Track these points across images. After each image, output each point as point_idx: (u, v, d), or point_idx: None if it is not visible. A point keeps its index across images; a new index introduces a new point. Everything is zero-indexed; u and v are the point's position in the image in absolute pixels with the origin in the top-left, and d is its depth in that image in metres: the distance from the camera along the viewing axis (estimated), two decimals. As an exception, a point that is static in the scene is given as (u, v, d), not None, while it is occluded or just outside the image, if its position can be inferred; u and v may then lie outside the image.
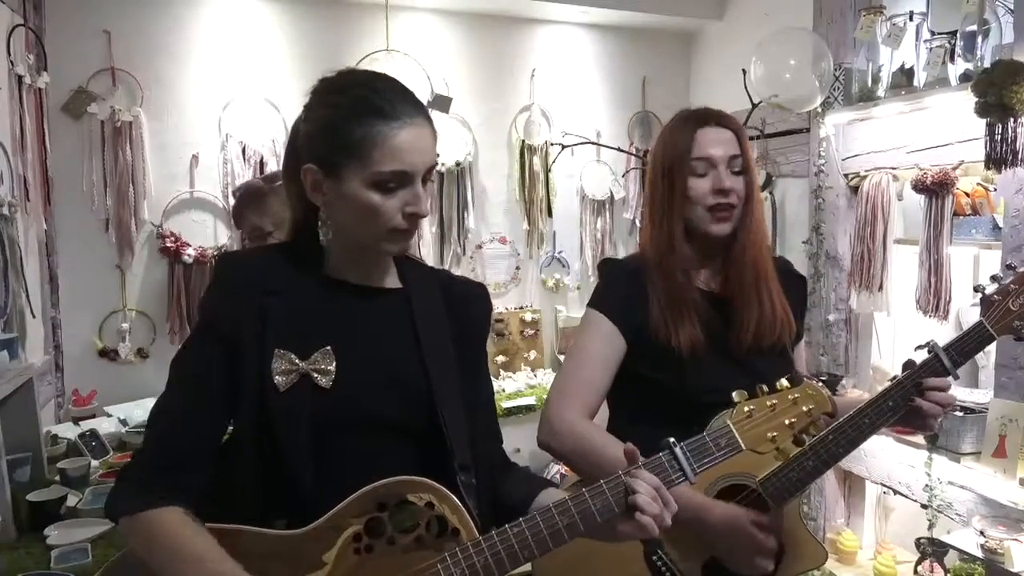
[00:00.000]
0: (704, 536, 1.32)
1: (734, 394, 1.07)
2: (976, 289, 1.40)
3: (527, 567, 1.35)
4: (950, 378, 1.34)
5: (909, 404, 1.32)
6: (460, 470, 1.09)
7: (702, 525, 1.30)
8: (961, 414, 2.41)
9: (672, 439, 1.04)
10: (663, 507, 0.99)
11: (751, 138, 1.68)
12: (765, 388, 1.08)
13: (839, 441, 1.32)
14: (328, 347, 1.05)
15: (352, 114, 1.03)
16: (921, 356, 1.36)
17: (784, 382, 1.08)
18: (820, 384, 1.11)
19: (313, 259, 1.11)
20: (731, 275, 1.46)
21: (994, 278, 1.39)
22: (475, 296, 1.24)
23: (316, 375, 1.04)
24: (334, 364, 1.05)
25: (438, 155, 1.15)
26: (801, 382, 1.09)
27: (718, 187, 1.40)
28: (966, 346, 1.35)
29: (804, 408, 1.07)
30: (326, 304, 1.09)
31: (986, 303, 1.37)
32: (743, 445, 1.05)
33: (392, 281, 1.17)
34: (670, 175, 1.43)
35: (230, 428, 1.08)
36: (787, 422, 1.06)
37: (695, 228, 1.44)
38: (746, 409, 1.06)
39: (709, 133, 1.42)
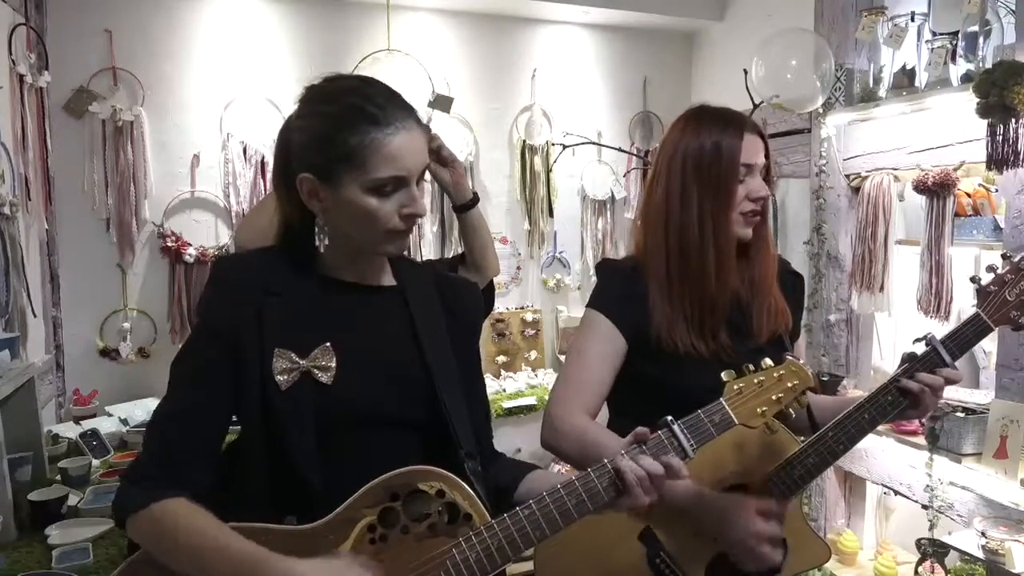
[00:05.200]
0: (708, 526, 1.31)
1: (723, 374, 1.13)
2: (972, 280, 1.38)
3: (528, 566, 1.36)
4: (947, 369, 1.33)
5: (907, 397, 1.32)
6: (467, 458, 1.11)
7: (705, 513, 1.30)
8: (962, 415, 2.40)
9: (670, 417, 1.08)
10: (651, 488, 1.03)
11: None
12: (751, 367, 1.13)
13: (839, 438, 1.32)
14: (327, 344, 1.06)
15: (345, 123, 1.04)
16: (919, 349, 1.35)
17: (768, 361, 1.14)
18: (801, 360, 1.17)
19: (308, 260, 1.12)
20: (749, 276, 1.47)
21: (990, 268, 1.37)
22: (468, 288, 1.27)
23: (317, 372, 1.05)
24: (334, 360, 1.06)
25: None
26: (784, 360, 1.14)
27: (758, 193, 1.41)
28: (964, 338, 1.34)
29: (789, 384, 1.13)
30: (323, 303, 1.10)
31: (982, 294, 1.36)
32: (735, 420, 1.10)
33: (387, 279, 1.19)
34: (713, 177, 1.40)
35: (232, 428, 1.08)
36: (774, 397, 1.12)
37: None
38: (736, 387, 1.12)
39: (751, 139, 1.42)
